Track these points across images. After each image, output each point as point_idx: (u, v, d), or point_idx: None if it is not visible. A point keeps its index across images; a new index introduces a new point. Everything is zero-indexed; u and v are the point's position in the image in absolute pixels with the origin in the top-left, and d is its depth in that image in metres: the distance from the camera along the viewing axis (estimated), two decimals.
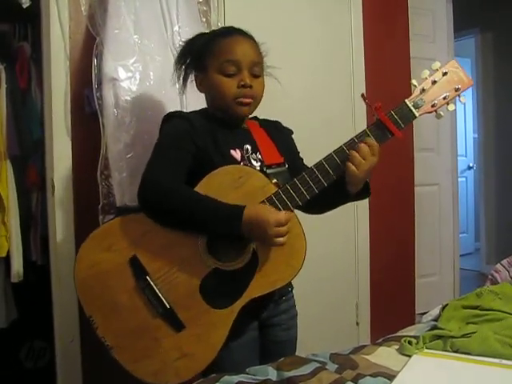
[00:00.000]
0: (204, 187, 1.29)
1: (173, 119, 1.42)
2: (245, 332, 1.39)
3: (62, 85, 1.96)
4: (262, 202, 1.28)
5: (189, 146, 1.35)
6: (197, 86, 1.50)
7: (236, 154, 1.40)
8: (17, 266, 2.35)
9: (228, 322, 1.29)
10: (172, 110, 1.51)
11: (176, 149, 1.35)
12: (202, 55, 1.44)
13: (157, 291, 1.29)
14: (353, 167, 1.28)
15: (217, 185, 1.29)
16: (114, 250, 1.31)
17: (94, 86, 1.84)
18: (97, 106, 1.85)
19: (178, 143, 1.35)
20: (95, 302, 1.32)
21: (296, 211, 1.34)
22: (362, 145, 1.28)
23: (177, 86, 1.88)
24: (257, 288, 1.30)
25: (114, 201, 1.85)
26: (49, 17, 1.93)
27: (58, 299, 1.99)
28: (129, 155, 1.82)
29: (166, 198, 1.27)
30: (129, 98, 1.81)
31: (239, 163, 1.38)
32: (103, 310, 1.31)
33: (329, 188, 1.32)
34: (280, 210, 1.28)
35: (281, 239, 1.25)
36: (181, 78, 1.52)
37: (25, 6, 2.09)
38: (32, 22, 2.55)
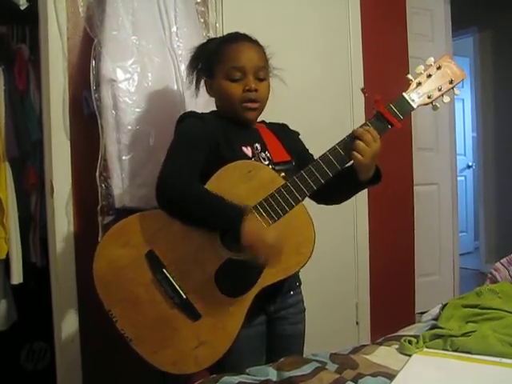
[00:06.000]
0: (215, 182, 1.35)
1: (186, 119, 1.48)
2: (253, 325, 1.42)
3: (60, 86, 1.96)
4: (271, 194, 1.33)
5: (202, 144, 1.40)
6: (207, 90, 1.55)
7: (247, 150, 1.45)
8: (16, 267, 2.34)
9: (242, 310, 1.34)
10: (187, 111, 1.57)
11: (190, 147, 1.39)
12: (210, 61, 1.50)
13: (173, 283, 1.33)
14: (358, 155, 1.33)
15: (227, 179, 1.35)
16: (130, 246, 1.35)
17: (93, 87, 1.84)
18: (95, 108, 1.85)
19: (193, 142, 1.40)
20: (114, 296, 1.36)
21: (311, 204, 1.38)
22: (364, 133, 1.33)
23: (175, 87, 1.91)
24: (269, 276, 1.35)
25: (113, 202, 1.85)
26: (47, 18, 1.93)
27: (58, 300, 1.99)
28: (127, 156, 1.82)
29: (181, 197, 1.31)
30: (127, 99, 1.81)
31: (250, 159, 1.43)
32: (122, 303, 1.35)
33: (342, 179, 1.39)
34: (288, 200, 1.33)
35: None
36: (193, 83, 1.58)
37: (22, 8, 2.09)
38: (30, 24, 2.54)
